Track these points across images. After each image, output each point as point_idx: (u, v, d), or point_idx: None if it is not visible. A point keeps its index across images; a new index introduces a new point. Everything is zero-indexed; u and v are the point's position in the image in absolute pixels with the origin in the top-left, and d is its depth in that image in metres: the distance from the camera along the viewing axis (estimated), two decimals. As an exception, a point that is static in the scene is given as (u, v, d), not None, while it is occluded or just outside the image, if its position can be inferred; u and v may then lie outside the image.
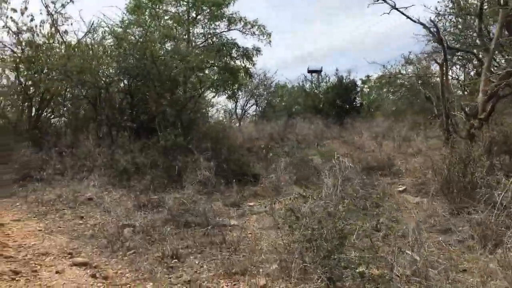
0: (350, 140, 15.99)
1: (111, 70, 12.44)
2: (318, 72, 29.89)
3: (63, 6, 14.42)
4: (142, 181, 9.54)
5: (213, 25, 17.36)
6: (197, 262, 5.53)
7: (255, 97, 29.70)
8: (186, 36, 16.36)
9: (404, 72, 21.40)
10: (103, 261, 5.55)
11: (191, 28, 16.68)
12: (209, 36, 16.73)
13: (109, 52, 11.74)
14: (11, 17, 14.00)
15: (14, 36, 14.19)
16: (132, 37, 11.52)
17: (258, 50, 16.97)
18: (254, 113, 30.56)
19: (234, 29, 18.08)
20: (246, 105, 29.05)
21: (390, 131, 16.38)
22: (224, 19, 17.55)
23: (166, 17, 15.52)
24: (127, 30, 11.83)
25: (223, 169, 9.41)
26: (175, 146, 10.15)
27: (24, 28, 14.17)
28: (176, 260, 5.56)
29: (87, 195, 8.78)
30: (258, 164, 11.43)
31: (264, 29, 17.84)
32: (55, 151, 11.51)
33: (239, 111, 28.82)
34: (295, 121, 21.34)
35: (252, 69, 17.76)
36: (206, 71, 14.31)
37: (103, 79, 11.85)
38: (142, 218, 7.11)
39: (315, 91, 27.63)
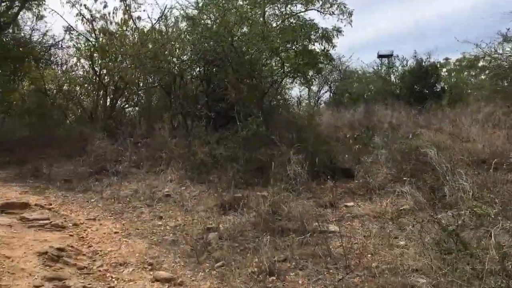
0: (444, 128, 14.17)
1: (185, 58, 11.70)
2: (389, 56, 27.82)
3: (135, -10, 13.98)
4: (222, 175, 8.67)
5: (289, 6, 16.12)
6: (300, 282, 4.47)
7: (329, 83, 28.16)
8: (262, 19, 15.27)
9: (501, 51, 18.89)
10: (188, 275, 4.65)
11: (266, 10, 15.55)
12: (286, 17, 15.52)
13: (183, 36, 10.96)
14: (84, 5, 13.83)
15: (88, 23, 14.02)
16: (208, 20, 10.64)
17: (339, 31, 15.43)
18: (327, 100, 29.02)
19: (312, 9, 16.72)
20: (320, 91, 27.57)
21: (491, 118, 14.34)
22: (301, -1, 16.23)
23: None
24: (203, 11, 10.92)
25: (312, 163, 8.25)
26: (256, 136, 9.16)
27: (98, 15, 13.95)
28: (274, 278, 4.54)
29: (165, 191, 8.05)
30: (346, 156, 10.17)
31: (345, 7, 16.28)
32: (130, 142, 11.02)
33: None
34: (375, 108, 19.67)
35: (332, 52, 16.31)
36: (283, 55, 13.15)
37: (177, 65, 11.12)
38: (227, 220, 6.21)
39: (390, 76, 25.67)
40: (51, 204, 7.03)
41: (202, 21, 10.48)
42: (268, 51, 10.09)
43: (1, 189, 7.94)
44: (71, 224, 5.99)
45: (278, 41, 9.94)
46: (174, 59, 11.16)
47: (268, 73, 11.43)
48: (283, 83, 10.94)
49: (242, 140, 9.37)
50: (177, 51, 10.95)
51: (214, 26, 9.95)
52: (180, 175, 9.03)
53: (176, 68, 11.08)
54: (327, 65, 17.69)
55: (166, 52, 10.47)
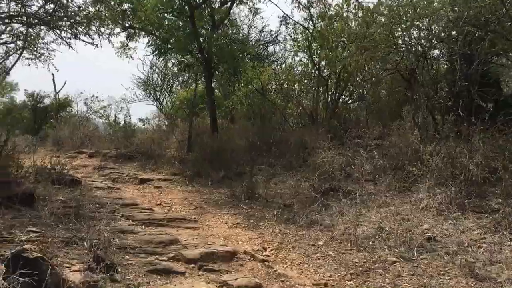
0: None
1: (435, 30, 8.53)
2: None
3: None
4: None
5: None
6: None
7: None
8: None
9: None
10: None
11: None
12: None
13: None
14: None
15: (304, 10, 12.23)
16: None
17: None
18: None
19: None
20: None
21: None
22: None
23: None
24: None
25: None
26: None
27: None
28: None
29: (424, 229, 5.27)
30: None
31: None
32: (359, 146, 8.57)
33: None
34: None
35: None
36: None
37: (423, 40, 8.11)
38: None
39: None
40: (265, 249, 5.05)
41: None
42: None
43: (210, 219, 6.41)
44: (291, 298, 3.81)
45: None
46: (416, 33, 8.16)
47: None
48: None
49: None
50: (424, 21, 7.88)
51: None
52: (441, 199, 6.08)
53: (421, 45, 8.07)
54: None
55: (408, 23, 7.58)
